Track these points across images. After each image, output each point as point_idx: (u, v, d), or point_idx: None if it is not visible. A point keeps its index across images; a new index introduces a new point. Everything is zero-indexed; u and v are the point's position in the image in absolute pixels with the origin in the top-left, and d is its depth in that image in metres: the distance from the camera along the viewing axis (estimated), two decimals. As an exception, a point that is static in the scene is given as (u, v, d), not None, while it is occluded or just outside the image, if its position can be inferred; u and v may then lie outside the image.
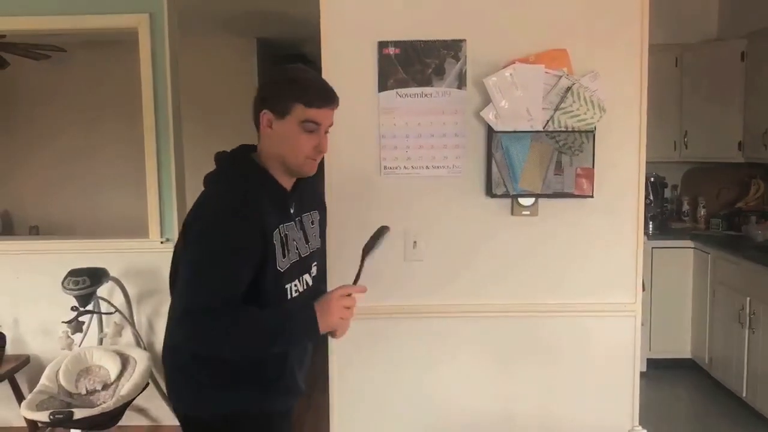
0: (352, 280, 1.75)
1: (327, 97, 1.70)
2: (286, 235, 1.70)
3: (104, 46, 5.81)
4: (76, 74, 6.16)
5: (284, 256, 1.69)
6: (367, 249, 1.81)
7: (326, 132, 1.73)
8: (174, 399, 1.79)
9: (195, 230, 1.62)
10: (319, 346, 2.20)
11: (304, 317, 1.63)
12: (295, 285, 1.74)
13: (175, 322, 1.61)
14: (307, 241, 1.81)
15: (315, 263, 1.87)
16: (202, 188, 1.74)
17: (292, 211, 1.76)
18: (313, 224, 1.86)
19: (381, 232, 1.85)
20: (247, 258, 1.60)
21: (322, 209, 1.97)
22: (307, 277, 1.80)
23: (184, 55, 3.91)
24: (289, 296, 1.72)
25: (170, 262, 1.78)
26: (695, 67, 4.76)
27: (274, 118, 1.68)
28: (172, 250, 1.79)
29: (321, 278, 1.91)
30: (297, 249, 1.75)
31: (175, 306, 1.62)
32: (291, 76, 1.73)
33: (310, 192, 1.88)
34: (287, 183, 1.75)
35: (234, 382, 1.70)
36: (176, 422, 1.81)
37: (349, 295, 1.68)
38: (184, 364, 1.72)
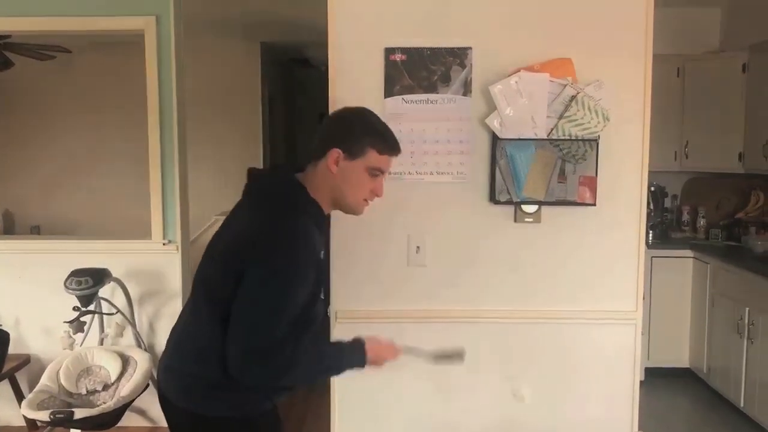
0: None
1: (397, 147, 1.81)
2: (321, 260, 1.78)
3: (109, 47, 5.84)
4: (80, 75, 6.19)
5: (321, 282, 1.80)
6: (437, 356, 1.99)
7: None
8: (195, 402, 1.75)
9: (268, 264, 1.61)
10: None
11: (358, 358, 1.80)
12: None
13: (254, 354, 1.60)
14: None
15: None
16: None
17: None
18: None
19: (455, 355, 2.00)
20: (308, 288, 1.68)
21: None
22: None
23: (189, 58, 3.93)
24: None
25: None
26: (697, 78, 4.78)
27: (344, 157, 1.73)
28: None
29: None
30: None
31: (250, 340, 1.60)
32: (370, 121, 1.80)
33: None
34: (327, 211, 1.81)
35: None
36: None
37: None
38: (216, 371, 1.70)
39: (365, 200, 1.81)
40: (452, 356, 2.00)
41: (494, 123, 2.26)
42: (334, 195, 1.77)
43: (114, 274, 3.60)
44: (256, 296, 1.61)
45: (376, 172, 1.77)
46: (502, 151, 2.27)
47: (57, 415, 3.06)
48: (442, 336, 2.38)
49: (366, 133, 1.76)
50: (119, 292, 3.69)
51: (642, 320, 2.39)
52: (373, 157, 1.75)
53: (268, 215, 1.69)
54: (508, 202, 2.30)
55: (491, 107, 2.26)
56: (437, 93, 2.30)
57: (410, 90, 2.30)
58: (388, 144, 1.78)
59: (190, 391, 1.75)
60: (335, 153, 1.72)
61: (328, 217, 1.85)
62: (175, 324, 1.87)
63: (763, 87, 4.30)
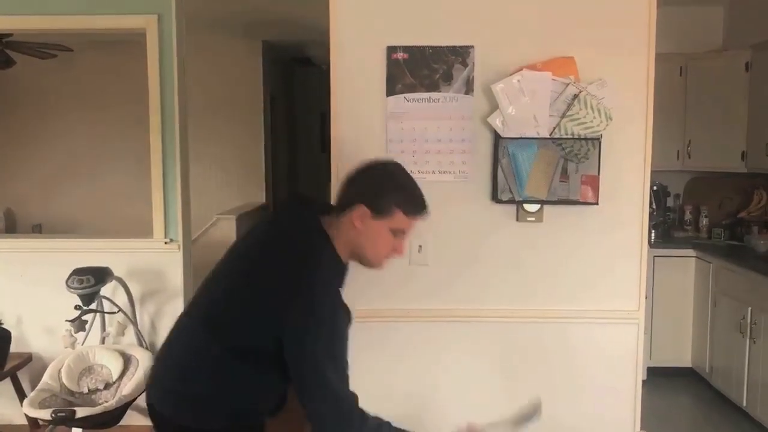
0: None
1: (425, 209, 1.75)
2: None
3: (111, 46, 5.85)
4: (82, 74, 6.20)
5: None
6: (517, 422, 1.88)
7: None
8: (180, 414, 1.76)
9: (309, 313, 1.61)
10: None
11: None
12: None
13: (331, 407, 1.65)
14: None
15: None
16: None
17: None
18: None
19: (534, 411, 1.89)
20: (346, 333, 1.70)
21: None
22: None
23: (190, 56, 3.93)
24: None
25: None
26: (700, 77, 4.77)
27: (370, 215, 1.69)
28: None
29: None
30: None
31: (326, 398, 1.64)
32: (401, 182, 1.76)
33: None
34: (345, 261, 1.79)
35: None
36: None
37: None
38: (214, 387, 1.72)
39: (386, 258, 1.77)
40: (531, 414, 1.93)
41: (496, 122, 2.25)
42: (354, 248, 1.74)
43: (115, 273, 3.60)
44: (311, 350, 1.61)
45: (399, 233, 1.74)
46: (504, 150, 2.26)
47: (58, 414, 3.06)
48: (443, 335, 2.38)
49: (395, 195, 1.71)
50: (121, 290, 3.69)
51: (644, 319, 2.39)
52: (399, 219, 1.71)
53: (300, 269, 1.65)
54: (510, 201, 2.30)
55: (493, 106, 2.26)
56: (439, 92, 2.29)
57: (412, 88, 2.29)
58: (416, 207, 1.73)
59: (176, 404, 1.74)
60: (361, 209, 1.69)
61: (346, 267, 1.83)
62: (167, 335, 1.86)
63: (766, 86, 4.28)
